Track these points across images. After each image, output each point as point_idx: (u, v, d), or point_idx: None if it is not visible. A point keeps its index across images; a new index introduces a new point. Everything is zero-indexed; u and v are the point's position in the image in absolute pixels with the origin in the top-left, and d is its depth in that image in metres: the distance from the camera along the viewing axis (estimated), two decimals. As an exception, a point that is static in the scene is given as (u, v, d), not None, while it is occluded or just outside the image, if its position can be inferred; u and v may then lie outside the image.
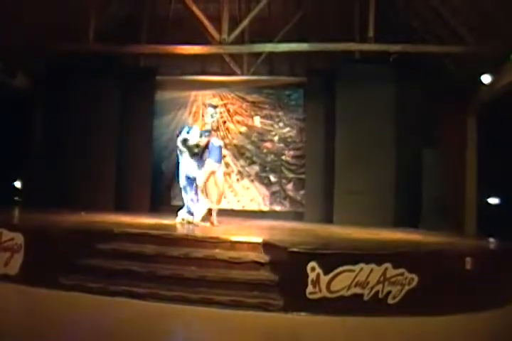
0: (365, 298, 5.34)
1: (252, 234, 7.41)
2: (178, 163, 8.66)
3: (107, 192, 10.71)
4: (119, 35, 10.39)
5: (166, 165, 11.78)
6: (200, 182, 8.26)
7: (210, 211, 8.49)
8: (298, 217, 11.29)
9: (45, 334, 4.32)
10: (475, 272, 5.68)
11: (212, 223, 8.29)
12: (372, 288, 5.35)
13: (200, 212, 8.31)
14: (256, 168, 11.86)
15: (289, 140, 11.89)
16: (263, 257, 6.09)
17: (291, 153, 11.84)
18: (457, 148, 10.13)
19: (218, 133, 8.87)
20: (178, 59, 11.36)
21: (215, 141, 8.42)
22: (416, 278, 5.43)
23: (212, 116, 8.77)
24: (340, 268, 5.34)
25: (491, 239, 7.94)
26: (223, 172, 8.68)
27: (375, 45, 9.11)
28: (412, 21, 10.07)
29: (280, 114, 11.97)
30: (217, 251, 6.26)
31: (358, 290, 5.34)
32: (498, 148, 9.78)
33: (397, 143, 10.28)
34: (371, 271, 5.37)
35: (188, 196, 8.51)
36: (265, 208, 11.76)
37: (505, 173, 9.59)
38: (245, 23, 9.54)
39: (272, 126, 11.97)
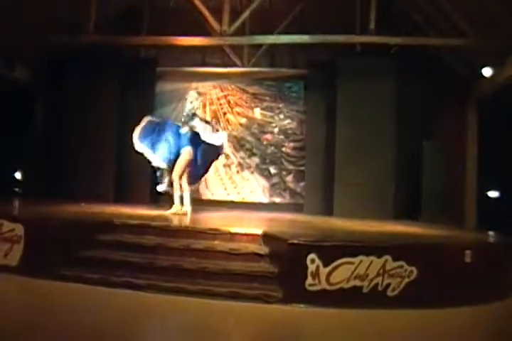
0: (365, 290, 5.35)
1: (252, 225, 7.43)
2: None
3: (107, 183, 10.70)
4: (120, 27, 10.36)
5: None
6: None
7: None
8: (298, 208, 11.30)
9: (44, 325, 4.33)
10: (474, 265, 5.69)
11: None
12: (371, 281, 5.36)
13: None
14: (256, 159, 11.85)
15: (289, 132, 11.88)
16: (263, 249, 6.09)
17: (292, 145, 11.83)
18: (458, 141, 10.13)
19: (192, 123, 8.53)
20: (178, 50, 11.31)
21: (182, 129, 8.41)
22: (415, 271, 5.44)
23: (191, 102, 8.59)
24: (340, 261, 5.35)
25: (491, 232, 7.95)
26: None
27: (375, 37, 9.09)
28: (413, 14, 10.03)
29: (281, 105, 11.95)
30: (216, 242, 6.27)
31: (357, 282, 5.35)
32: (498, 141, 9.77)
33: (398, 136, 10.25)
34: (371, 263, 5.38)
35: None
36: (265, 200, 11.77)
37: (505, 167, 9.59)
38: (246, 14, 9.49)
39: (272, 117, 11.95)
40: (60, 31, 9.39)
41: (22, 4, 8.62)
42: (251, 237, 6.35)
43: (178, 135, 8.30)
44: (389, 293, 5.40)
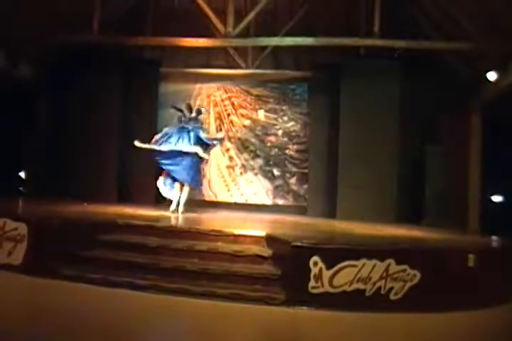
0: (367, 293, 5.35)
1: (255, 227, 7.43)
2: None
3: (110, 182, 10.71)
4: (124, 27, 10.36)
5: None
6: None
7: None
8: (301, 211, 11.27)
9: (46, 325, 4.34)
10: (477, 269, 5.68)
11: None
12: (374, 284, 5.36)
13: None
14: (260, 161, 11.84)
15: (293, 134, 11.86)
16: (266, 251, 6.09)
17: (295, 147, 11.81)
18: (461, 145, 10.11)
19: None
20: (182, 51, 11.31)
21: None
22: (418, 275, 5.43)
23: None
24: (343, 263, 5.35)
25: (494, 237, 7.93)
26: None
27: (380, 40, 9.08)
28: (418, 18, 10.02)
29: (284, 108, 11.94)
30: (220, 244, 6.26)
31: (360, 285, 5.34)
32: (502, 145, 9.76)
33: (401, 139, 10.24)
34: (374, 266, 5.37)
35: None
36: (268, 202, 11.75)
37: (508, 171, 9.58)
38: (251, 16, 9.48)
39: (276, 120, 11.94)
40: (64, 30, 9.38)
41: (26, 2, 8.62)
42: (254, 239, 6.35)
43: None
44: (392, 296, 5.39)
